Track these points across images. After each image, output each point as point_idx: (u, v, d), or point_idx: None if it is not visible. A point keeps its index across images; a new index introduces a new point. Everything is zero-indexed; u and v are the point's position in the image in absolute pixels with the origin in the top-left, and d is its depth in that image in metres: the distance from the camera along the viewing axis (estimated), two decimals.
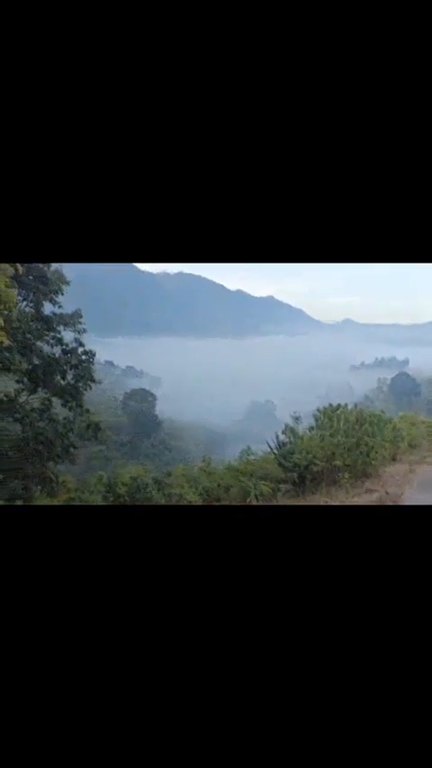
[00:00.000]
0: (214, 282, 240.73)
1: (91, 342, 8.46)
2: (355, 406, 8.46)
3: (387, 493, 5.84)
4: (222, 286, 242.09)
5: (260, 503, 5.62)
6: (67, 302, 8.28)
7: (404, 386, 58.40)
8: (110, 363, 76.63)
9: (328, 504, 5.59)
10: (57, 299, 8.05)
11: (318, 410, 7.75)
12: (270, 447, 7.47)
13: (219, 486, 6.99)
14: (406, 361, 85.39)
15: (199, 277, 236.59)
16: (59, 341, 7.78)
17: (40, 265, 7.92)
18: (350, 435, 7.17)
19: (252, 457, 7.70)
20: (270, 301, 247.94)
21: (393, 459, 8.36)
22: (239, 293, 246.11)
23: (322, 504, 5.64)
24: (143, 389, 50.83)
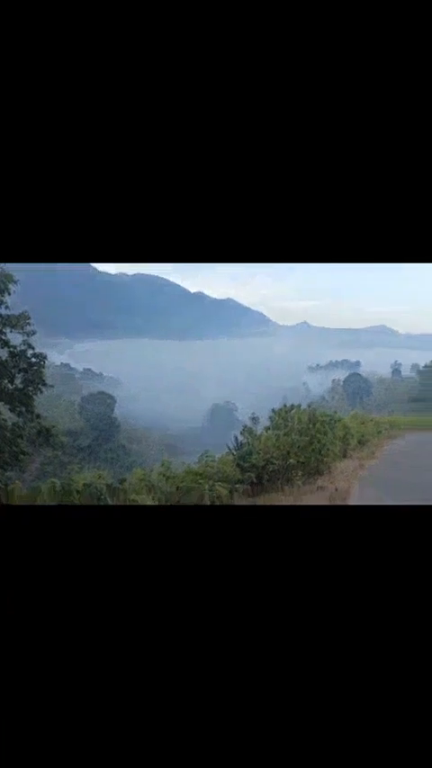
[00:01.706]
0: (174, 284, 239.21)
1: (43, 345, 8.07)
2: (308, 405, 8.77)
3: (336, 489, 6.11)
4: (182, 287, 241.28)
5: (215, 504, 5.67)
6: (15, 305, 7.86)
7: (357, 386, 61.39)
8: (66, 366, 73.51)
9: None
10: (3, 298, 7.61)
11: (273, 410, 7.95)
12: (229, 448, 7.55)
13: (177, 489, 6.95)
14: (358, 363, 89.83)
15: (158, 278, 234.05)
16: (6, 343, 7.37)
17: None
18: (304, 434, 7.43)
19: (211, 459, 7.73)
20: (230, 303, 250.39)
21: (344, 456, 8.77)
22: (200, 295, 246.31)
23: (280, 502, 5.78)
24: (101, 392, 49.29)
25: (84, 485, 5.49)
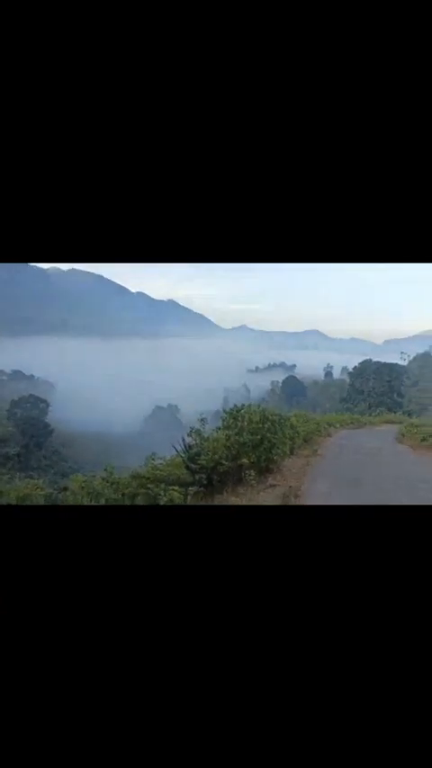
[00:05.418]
0: (114, 282, 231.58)
1: None
2: (250, 406, 8.83)
3: (290, 487, 6.17)
4: (122, 286, 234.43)
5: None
6: None
7: (293, 388, 64.56)
8: None
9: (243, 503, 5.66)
10: None
11: (224, 411, 7.88)
12: (177, 450, 7.28)
13: (123, 495, 6.51)
14: (294, 366, 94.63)
15: (95, 275, 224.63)
16: None
17: None
18: (255, 434, 7.44)
19: (158, 462, 7.38)
20: (171, 305, 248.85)
21: (291, 454, 8.99)
22: (141, 295, 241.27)
23: (234, 503, 5.67)
24: (33, 396, 45.85)
25: (17, 498, 4.87)
